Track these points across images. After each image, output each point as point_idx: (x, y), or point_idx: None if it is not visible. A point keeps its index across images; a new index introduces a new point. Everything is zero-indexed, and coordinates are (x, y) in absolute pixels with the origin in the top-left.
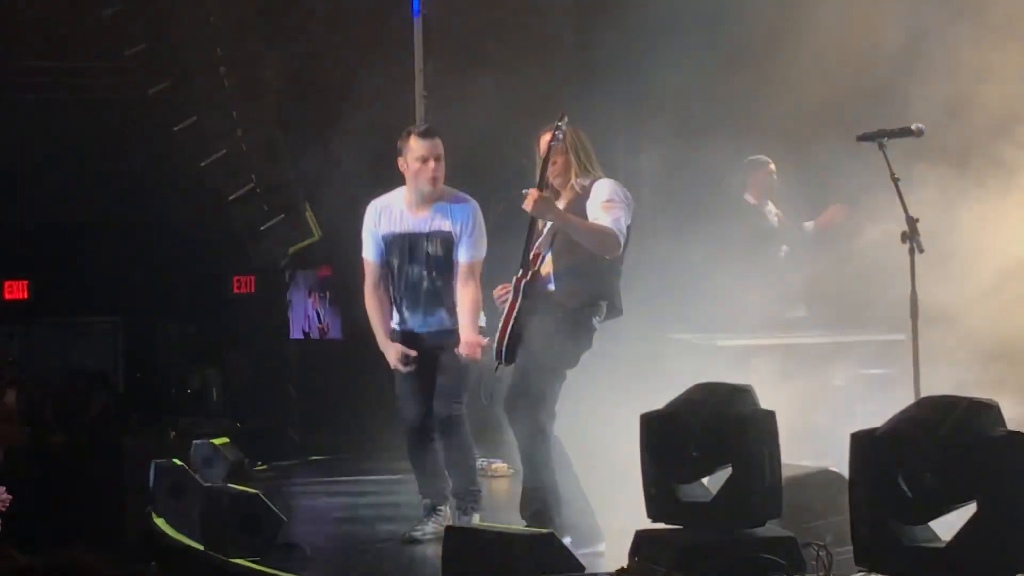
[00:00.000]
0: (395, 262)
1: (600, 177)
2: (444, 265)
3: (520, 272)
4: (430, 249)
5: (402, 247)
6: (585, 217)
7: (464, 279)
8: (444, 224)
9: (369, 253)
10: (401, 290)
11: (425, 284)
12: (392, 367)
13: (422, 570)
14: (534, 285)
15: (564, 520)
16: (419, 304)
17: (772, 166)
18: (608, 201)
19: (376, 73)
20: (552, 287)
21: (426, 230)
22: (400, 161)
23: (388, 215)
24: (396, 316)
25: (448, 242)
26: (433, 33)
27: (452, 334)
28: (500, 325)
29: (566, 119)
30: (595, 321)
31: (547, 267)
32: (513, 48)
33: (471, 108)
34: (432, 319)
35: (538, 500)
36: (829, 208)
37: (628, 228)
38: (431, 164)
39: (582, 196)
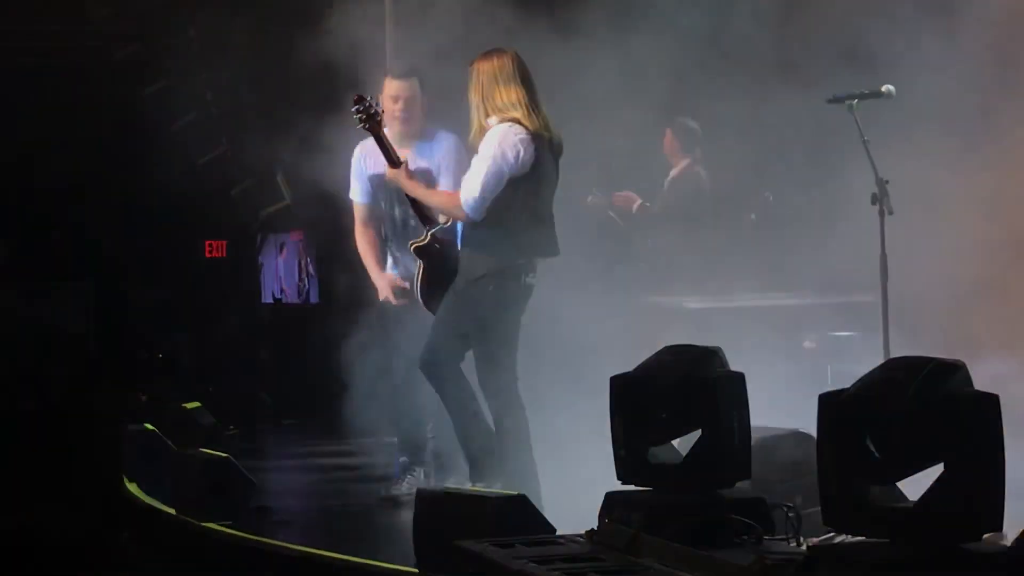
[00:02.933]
0: (382, 204)
1: (498, 122)
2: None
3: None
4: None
5: (387, 188)
6: None
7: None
8: (422, 162)
9: (355, 194)
10: (391, 232)
11: (412, 223)
12: (381, 299)
13: (394, 532)
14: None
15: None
16: (406, 247)
17: None
18: (479, 158)
19: (349, 29)
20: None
21: (423, 165)
22: (379, 98)
23: (373, 156)
24: (389, 259)
25: (429, 181)
26: None
27: None
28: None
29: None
30: (511, 287)
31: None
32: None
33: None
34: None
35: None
36: (625, 193)
37: (510, 178)
38: (399, 105)
39: None
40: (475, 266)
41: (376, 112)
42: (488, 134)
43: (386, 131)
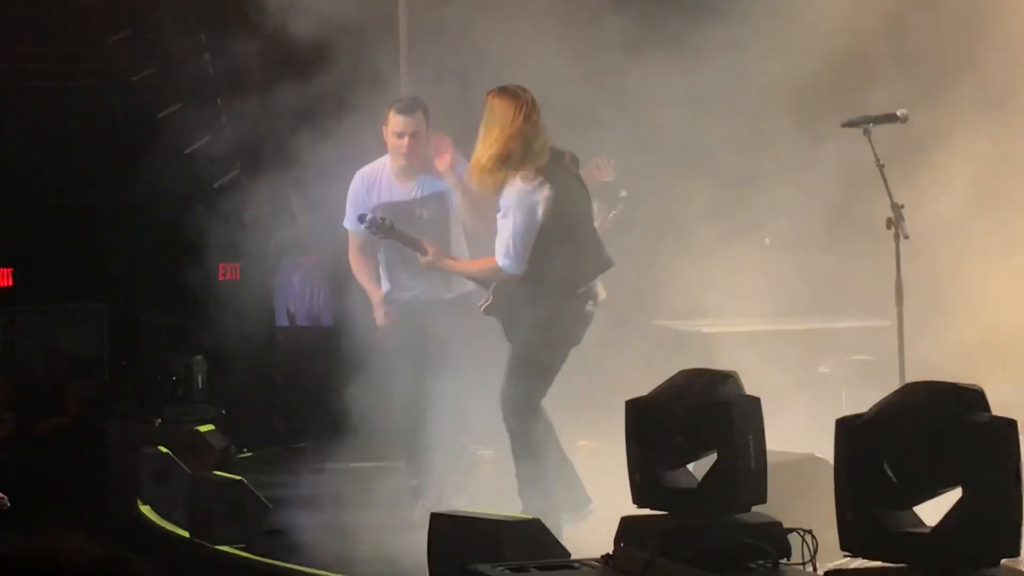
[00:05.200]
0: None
1: (513, 177)
2: (439, 228)
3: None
4: (424, 215)
5: (393, 217)
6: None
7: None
8: (436, 189)
9: (351, 223)
10: (389, 256)
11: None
12: (374, 313)
13: (407, 556)
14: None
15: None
16: (416, 272)
17: None
18: (502, 217)
19: (363, 58)
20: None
21: (418, 196)
22: (383, 130)
23: (377, 187)
24: (387, 285)
25: (442, 208)
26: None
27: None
28: None
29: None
30: (572, 319)
31: None
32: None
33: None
34: (429, 285)
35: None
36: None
37: (541, 225)
38: (405, 141)
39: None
40: (538, 318)
41: (386, 221)
42: (505, 193)
43: (391, 165)
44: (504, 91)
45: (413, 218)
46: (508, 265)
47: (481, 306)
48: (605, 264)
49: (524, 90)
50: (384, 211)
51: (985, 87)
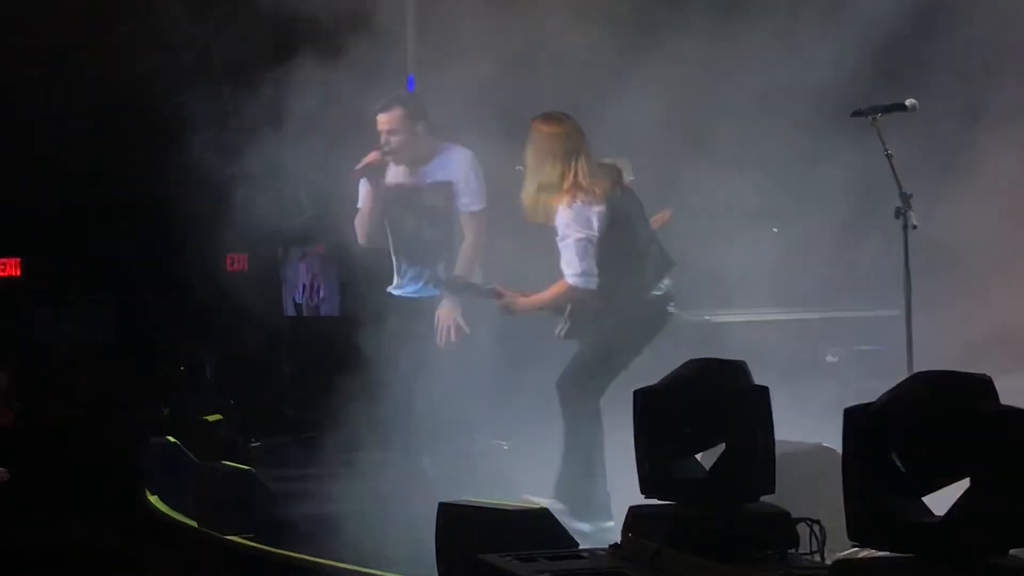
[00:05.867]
0: (394, 217)
1: (563, 200)
2: (439, 216)
3: None
4: (431, 200)
5: (398, 201)
6: None
7: (471, 229)
8: (440, 177)
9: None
10: (400, 246)
11: (425, 236)
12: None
13: (415, 546)
14: None
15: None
16: (416, 260)
17: None
18: (562, 240)
19: (368, 52)
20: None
21: (426, 182)
22: None
23: (390, 167)
24: (396, 277)
25: (448, 195)
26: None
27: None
28: None
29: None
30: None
31: None
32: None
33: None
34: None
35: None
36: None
37: (599, 240)
38: (385, 138)
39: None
40: (611, 325)
41: (458, 279)
42: (559, 217)
43: (391, 166)
44: (548, 118)
45: (416, 205)
46: (579, 281)
47: (559, 333)
48: (667, 264)
49: (567, 116)
50: (389, 193)
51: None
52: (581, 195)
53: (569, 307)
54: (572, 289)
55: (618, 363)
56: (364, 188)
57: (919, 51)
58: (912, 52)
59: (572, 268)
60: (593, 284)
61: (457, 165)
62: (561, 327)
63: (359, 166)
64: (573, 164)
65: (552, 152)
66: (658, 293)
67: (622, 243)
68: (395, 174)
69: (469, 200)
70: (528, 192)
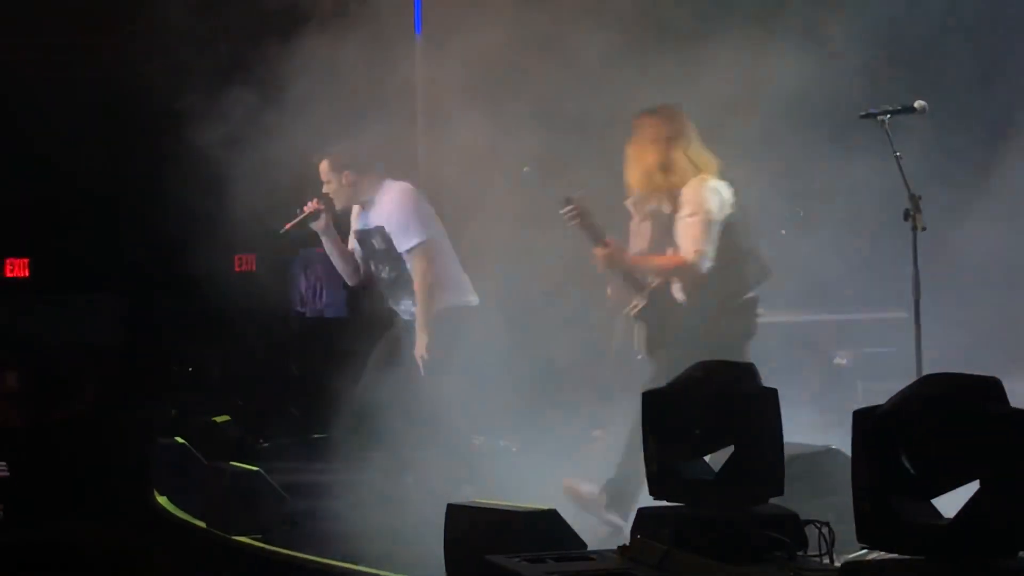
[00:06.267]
0: (370, 264)
1: (695, 176)
2: (387, 257)
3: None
4: (376, 244)
5: (368, 248)
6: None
7: (414, 267)
8: (376, 218)
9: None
10: (381, 287)
11: (384, 276)
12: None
13: (424, 547)
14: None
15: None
16: (388, 297)
17: None
18: (684, 217)
19: (375, 55)
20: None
21: (370, 226)
22: None
23: (356, 210)
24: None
25: (383, 235)
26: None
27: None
28: None
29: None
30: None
31: None
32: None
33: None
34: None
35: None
36: None
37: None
38: (323, 188)
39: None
40: (694, 325)
41: (580, 209)
42: (684, 192)
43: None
44: (656, 109)
45: (368, 249)
46: (701, 260)
47: (631, 310)
48: (765, 273)
49: (674, 109)
50: (357, 236)
51: None
52: (708, 175)
53: (653, 285)
54: (692, 265)
55: None
56: (323, 239)
57: (938, 54)
58: (932, 54)
59: (695, 244)
60: (705, 267)
61: (384, 206)
62: (635, 305)
63: (289, 224)
64: (690, 147)
65: (676, 140)
66: (747, 297)
67: (737, 238)
68: (354, 219)
69: (402, 239)
70: (643, 187)
